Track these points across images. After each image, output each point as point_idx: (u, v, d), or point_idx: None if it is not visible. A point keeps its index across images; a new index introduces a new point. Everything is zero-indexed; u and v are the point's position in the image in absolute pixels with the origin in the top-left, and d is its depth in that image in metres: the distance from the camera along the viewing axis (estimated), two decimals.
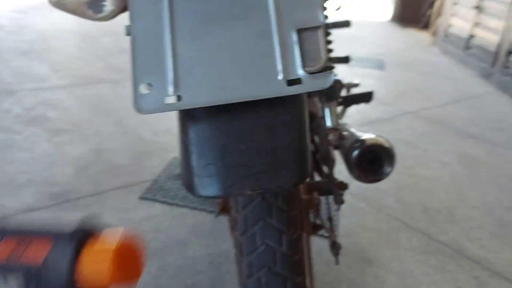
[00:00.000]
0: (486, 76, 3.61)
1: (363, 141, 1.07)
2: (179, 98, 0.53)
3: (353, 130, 1.15)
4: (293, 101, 0.57)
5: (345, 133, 1.12)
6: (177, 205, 1.59)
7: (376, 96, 3.00)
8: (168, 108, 0.53)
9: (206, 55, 0.54)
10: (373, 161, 1.09)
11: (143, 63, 0.55)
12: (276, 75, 0.53)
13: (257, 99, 0.53)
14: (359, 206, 1.70)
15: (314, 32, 0.54)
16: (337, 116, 1.21)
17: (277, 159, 0.56)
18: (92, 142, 2.03)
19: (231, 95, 0.53)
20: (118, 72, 3.07)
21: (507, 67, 3.33)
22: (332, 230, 1.02)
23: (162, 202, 1.60)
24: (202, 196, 0.57)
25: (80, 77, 2.91)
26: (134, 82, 0.54)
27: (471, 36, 3.98)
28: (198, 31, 0.55)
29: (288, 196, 0.68)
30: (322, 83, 0.52)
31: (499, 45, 3.45)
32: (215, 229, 1.49)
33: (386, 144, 1.09)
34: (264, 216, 0.67)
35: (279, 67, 0.53)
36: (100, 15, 0.64)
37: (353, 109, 2.69)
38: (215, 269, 1.31)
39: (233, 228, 0.71)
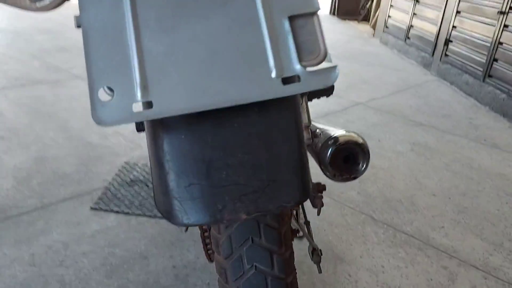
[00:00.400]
0: (427, 65, 3.73)
1: (336, 138, 1.01)
2: (149, 105, 0.44)
3: (322, 126, 1.09)
4: (287, 102, 0.49)
5: (316, 130, 1.06)
6: (133, 214, 1.47)
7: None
8: (136, 117, 0.44)
9: (180, 50, 0.45)
10: (347, 158, 1.04)
11: (100, 62, 0.45)
12: (269, 72, 0.45)
13: (247, 103, 0.45)
14: (324, 201, 1.66)
15: (308, 20, 0.46)
16: (305, 112, 1.15)
17: (275, 173, 0.48)
18: (33, 149, 1.85)
19: (214, 99, 0.44)
20: (57, 72, 2.85)
21: (446, 55, 3.45)
22: (311, 235, 0.96)
23: (117, 212, 1.48)
24: (185, 225, 0.48)
25: (15, 79, 2.66)
26: (91, 86, 0.44)
27: (411, 27, 4.10)
28: (169, 20, 0.46)
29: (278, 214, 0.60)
30: (325, 80, 0.45)
31: (438, 35, 3.57)
32: (178, 238, 1.39)
33: (360, 140, 1.05)
34: (251, 234, 0.59)
35: (271, 62, 0.45)
36: (40, 4, 0.53)
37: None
38: (181, 282, 1.22)
39: (215, 250, 0.63)
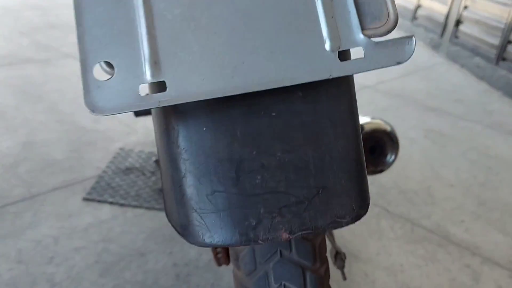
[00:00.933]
0: (435, 46, 3.59)
1: (361, 126, 0.89)
2: (161, 86, 0.32)
3: None
4: (343, 85, 0.36)
5: None
6: (129, 205, 1.35)
7: None
8: (144, 103, 0.31)
9: (203, 13, 0.32)
10: (373, 149, 0.92)
11: (96, 29, 0.33)
12: (321, 44, 0.32)
13: (291, 84, 0.32)
14: None
15: None
16: None
17: (326, 178, 0.35)
18: (21, 133, 1.72)
19: (247, 80, 0.32)
20: (47, 50, 2.69)
21: (456, 37, 3.30)
22: (333, 237, 0.84)
23: (111, 203, 1.35)
24: (207, 245, 0.36)
25: (2, 57, 2.51)
26: (83, 61, 0.31)
27: (418, 7, 3.94)
28: None
29: None
30: (397, 55, 0.32)
31: (448, 15, 3.42)
32: None
33: (388, 128, 0.92)
34: (280, 247, 0.47)
35: (325, 31, 0.32)
36: None
37: None
38: (183, 282, 1.11)
39: (233, 264, 0.51)
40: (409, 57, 0.32)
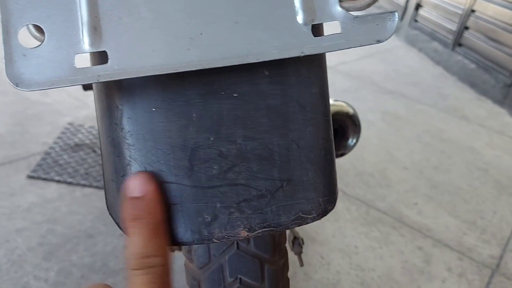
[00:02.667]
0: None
1: None
2: (101, 57, 0.27)
3: None
4: (314, 64, 0.32)
5: None
6: (77, 184, 1.27)
7: None
8: (80, 77, 0.26)
9: None
10: (335, 132, 0.89)
11: None
12: (292, 16, 0.28)
13: (255, 61, 0.27)
14: None
15: None
16: None
17: (292, 169, 0.32)
18: None
19: (205, 54, 0.27)
20: None
21: (415, 21, 3.34)
22: None
23: (58, 181, 1.27)
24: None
25: None
26: (5, 24, 0.26)
27: None
28: None
29: None
30: (377, 32, 0.28)
31: None
32: None
33: (351, 111, 0.90)
34: (244, 246, 0.43)
35: (297, 1, 0.28)
36: None
37: None
38: None
39: (184, 255, 0.47)
40: (391, 35, 0.28)
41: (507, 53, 2.35)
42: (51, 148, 1.41)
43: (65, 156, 1.37)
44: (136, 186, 0.28)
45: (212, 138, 0.30)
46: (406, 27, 3.45)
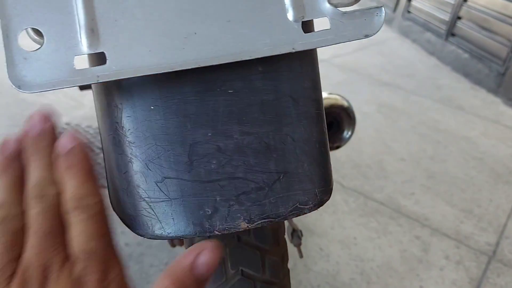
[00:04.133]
0: (388, 21, 3.63)
1: None
2: (100, 59, 0.27)
3: None
4: (306, 59, 0.33)
5: None
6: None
7: None
8: (80, 78, 0.27)
9: None
10: (330, 125, 0.90)
11: None
12: (283, 13, 0.29)
13: (249, 58, 0.28)
14: None
15: None
16: None
17: (288, 162, 0.33)
18: None
19: (200, 53, 0.28)
20: None
21: (408, 12, 3.35)
22: None
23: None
24: (157, 237, 0.33)
25: None
26: (6, 29, 0.27)
27: None
28: None
29: None
30: (365, 27, 0.29)
31: None
32: None
33: (345, 104, 0.91)
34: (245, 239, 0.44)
35: (287, 0, 0.29)
36: None
37: None
38: (135, 263, 1.07)
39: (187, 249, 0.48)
40: (378, 30, 0.29)
41: (500, 42, 2.36)
42: None
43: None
44: (65, 142, 0.30)
45: (209, 134, 0.31)
46: (399, 18, 3.45)
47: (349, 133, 0.88)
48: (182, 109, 0.30)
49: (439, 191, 1.53)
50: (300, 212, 0.34)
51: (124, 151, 0.31)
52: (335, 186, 1.47)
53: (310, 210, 0.34)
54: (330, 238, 1.25)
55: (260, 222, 0.32)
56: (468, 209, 1.46)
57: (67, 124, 1.57)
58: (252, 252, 0.45)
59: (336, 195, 1.44)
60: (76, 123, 1.59)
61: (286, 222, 1.11)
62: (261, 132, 0.31)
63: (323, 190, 0.34)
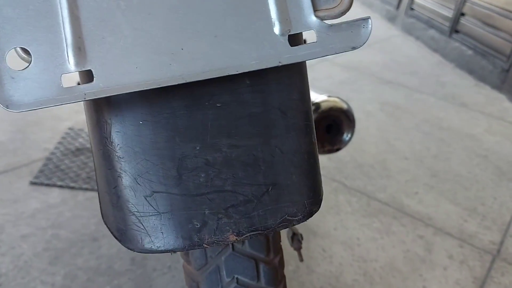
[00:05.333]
0: (391, 19, 3.61)
1: (317, 104, 0.87)
2: (87, 76, 0.28)
3: None
4: (294, 72, 0.33)
5: None
6: (80, 188, 1.29)
7: None
8: (67, 96, 0.27)
9: None
10: (329, 127, 0.90)
11: (9, 11, 0.28)
12: (269, 28, 0.29)
13: (236, 73, 0.29)
14: None
15: None
16: None
17: (276, 174, 0.33)
18: None
19: (187, 68, 0.28)
20: None
21: (411, 9, 3.33)
22: None
23: (61, 186, 1.29)
24: (147, 251, 0.33)
25: None
26: None
27: None
28: None
29: None
30: (352, 39, 0.29)
31: None
32: None
33: (345, 106, 0.91)
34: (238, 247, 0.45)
35: (273, 13, 0.29)
36: None
37: None
38: (138, 267, 1.08)
39: (183, 258, 0.48)
40: (365, 41, 0.29)
41: (504, 38, 2.34)
42: (52, 153, 1.42)
43: (66, 161, 1.39)
44: None
45: (198, 147, 0.31)
46: (402, 15, 3.44)
47: (349, 135, 0.88)
48: (171, 124, 0.31)
49: (442, 190, 1.53)
50: (289, 223, 0.34)
51: (113, 166, 0.31)
52: (338, 186, 1.47)
53: (299, 221, 0.35)
54: (333, 239, 1.25)
55: (248, 234, 0.32)
56: (472, 208, 1.45)
57: (71, 129, 1.58)
58: (247, 261, 0.45)
59: (339, 196, 1.44)
60: (79, 128, 1.60)
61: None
62: (250, 144, 0.31)
63: (312, 201, 0.35)
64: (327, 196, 1.43)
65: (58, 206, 1.22)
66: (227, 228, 0.32)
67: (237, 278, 0.45)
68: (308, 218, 0.35)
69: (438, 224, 1.36)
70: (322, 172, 1.55)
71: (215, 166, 0.31)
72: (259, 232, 0.33)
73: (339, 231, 1.28)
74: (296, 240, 0.83)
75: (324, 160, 1.62)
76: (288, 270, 1.13)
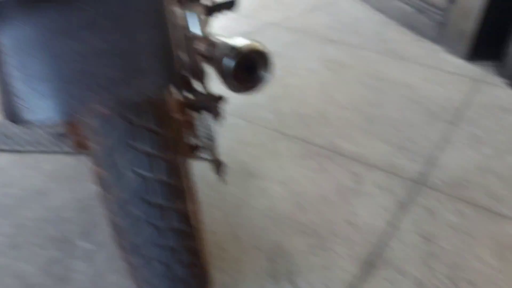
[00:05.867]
0: None
1: (239, 48, 0.96)
2: None
3: (221, 37, 1.03)
4: None
5: (215, 41, 1.00)
6: (28, 151, 1.35)
7: (239, 9, 2.89)
8: None
9: None
10: (249, 68, 1.00)
11: None
12: None
13: None
14: (236, 123, 1.63)
15: None
16: (204, 23, 1.08)
17: (133, 59, 0.42)
18: None
19: None
20: None
21: None
22: (212, 149, 0.92)
23: (9, 151, 1.34)
24: (29, 122, 0.41)
25: None
26: None
27: None
28: None
29: (158, 115, 0.55)
30: None
31: None
32: (80, 171, 1.30)
33: (263, 49, 1.00)
34: (131, 141, 0.53)
35: None
36: None
37: (216, 25, 2.55)
38: (84, 213, 1.15)
39: (96, 165, 0.57)
40: None
41: None
42: None
43: (13, 128, 1.44)
44: None
45: (70, 41, 0.40)
46: None
47: (268, 74, 0.97)
48: (45, 23, 0.39)
49: (376, 133, 1.65)
50: (145, 94, 0.43)
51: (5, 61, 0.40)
52: (278, 136, 1.56)
53: (155, 92, 0.44)
54: (271, 179, 1.35)
55: (114, 105, 0.42)
56: (402, 145, 1.58)
57: None
58: (145, 157, 0.54)
59: (279, 143, 1.54)
60: None
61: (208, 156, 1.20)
62: (111, 38, 0.41)
63: (164, 77, 0.44)
64: (266, 144, 1.53)
65: (6, 169, 1.28)
66: (93, 99, 0.41)
67: (136, 171, 0.54)
68: (161, 91, 0.44)
69: (370, 162, 1.48)
70: (263, 124, 1.64)
71: (84, 56, 0.40)
72: (123, 103, 0.42)
73: (277, 173, 1.39)
74: (219, 166, 0.92)
75: (266, 113, 1.71)
76: (231, 208, 1.23)
